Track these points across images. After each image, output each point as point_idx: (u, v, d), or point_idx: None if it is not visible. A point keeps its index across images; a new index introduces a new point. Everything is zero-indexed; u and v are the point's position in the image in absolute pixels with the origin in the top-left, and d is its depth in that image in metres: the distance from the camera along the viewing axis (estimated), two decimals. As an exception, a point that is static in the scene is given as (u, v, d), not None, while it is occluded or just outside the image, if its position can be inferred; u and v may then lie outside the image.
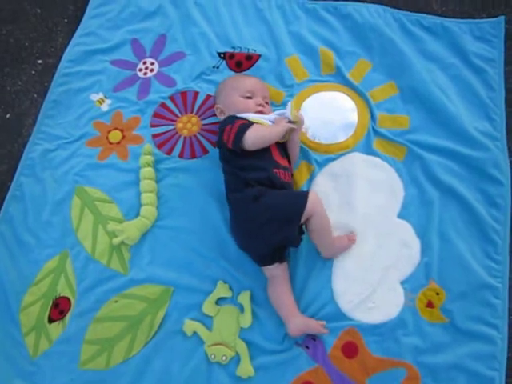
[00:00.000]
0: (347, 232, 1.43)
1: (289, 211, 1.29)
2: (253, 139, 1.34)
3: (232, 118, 1.42)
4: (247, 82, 1.53)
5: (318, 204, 1.31)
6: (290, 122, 1.40)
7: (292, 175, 1.47)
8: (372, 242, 1.41)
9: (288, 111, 1.40)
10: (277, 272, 1.35)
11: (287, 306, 1.31)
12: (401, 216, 1.45)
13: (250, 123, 1.38)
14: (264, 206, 1.28)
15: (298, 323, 1.29)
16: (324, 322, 1.31)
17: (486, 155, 1.49)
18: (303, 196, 1.30)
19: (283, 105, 1.60)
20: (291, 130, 1.43)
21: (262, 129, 1.38)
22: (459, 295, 1.33)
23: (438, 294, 1.34)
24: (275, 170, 1.36)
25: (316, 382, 1.27)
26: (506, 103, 1.59)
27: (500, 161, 1.49)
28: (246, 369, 1.29)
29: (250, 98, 1.49)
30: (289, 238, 1.32)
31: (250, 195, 1.29)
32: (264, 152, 1.38)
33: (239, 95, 1.48)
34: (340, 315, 1.34)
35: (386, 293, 1.35)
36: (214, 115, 1.61)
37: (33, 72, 1.85)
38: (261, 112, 1.46)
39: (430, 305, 1.33)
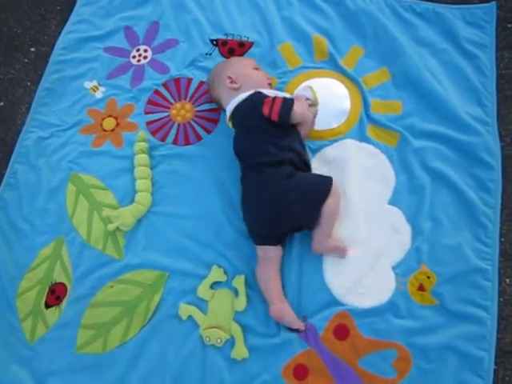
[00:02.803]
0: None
1: (316, 189, 1.33)
2: (298, 114, 1.39)
3: (263, 93, 1.43)
4: (252, 60, 1.61)
5: (336, 189, 1.36)
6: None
7: None
8: (363, 227, 1.41)
9: (308, 94, 1.49)
10: (272, 254, 1.35)
11: (276, 289, 1.33)
12: (391, 202, 1.46)
13: (291, 98, 1.42)
14: (295, 183, 1.31)
15: (282, 308, 1.30)
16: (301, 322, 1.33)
17: (477, 140, 1.50)
18: (329, 178, 1.36)
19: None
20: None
21: (302, 106, 1.42)
22: (450, 278, 1.34)
23: (428, 277, 1.35)
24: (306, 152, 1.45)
25: (309, 364, 1.28)
26: (497, 88, 1.59)
27: (491, 145, 1.49)
28: (240, 351, 1.30)
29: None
30: (308, 219, 1.33)
31: (285, 172, 1.33)
32: (297, 134, 1.43)
33: (252, 68, 1.54)
34: (332, 300, 1.34)
35: (378, 278, 1.36)
36: (208, 102, 1.62)
37: (26, 60, 1.85)
38: (269, 85, 1.53)
39: (421, 288, 1.34)
